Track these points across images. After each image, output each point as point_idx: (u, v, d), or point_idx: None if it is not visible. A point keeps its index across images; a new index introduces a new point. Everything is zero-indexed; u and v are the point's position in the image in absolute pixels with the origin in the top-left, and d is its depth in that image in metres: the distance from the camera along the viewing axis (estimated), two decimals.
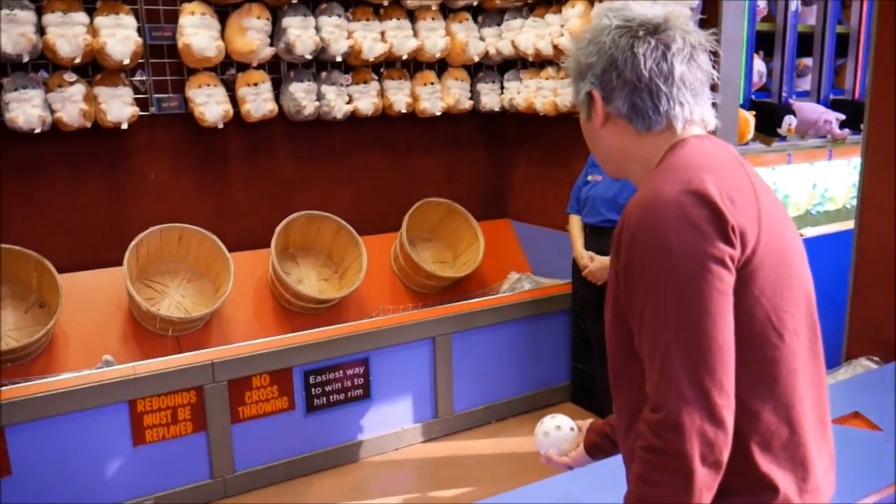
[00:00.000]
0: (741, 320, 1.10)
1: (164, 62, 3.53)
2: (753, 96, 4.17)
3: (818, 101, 4.41)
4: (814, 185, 4.19)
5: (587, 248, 3.01)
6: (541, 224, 4.31)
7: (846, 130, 4.20)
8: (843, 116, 4.17)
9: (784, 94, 4.25)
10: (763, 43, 4.35)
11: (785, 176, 4.05)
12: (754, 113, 3.97)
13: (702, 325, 1.04)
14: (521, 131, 4.48)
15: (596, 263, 2.93)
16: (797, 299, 1.16)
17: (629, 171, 1.27)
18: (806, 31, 4.46)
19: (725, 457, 1.06)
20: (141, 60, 3.43)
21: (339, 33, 3.76)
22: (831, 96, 4.44)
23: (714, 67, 1.25)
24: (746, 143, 3.96)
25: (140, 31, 3.35)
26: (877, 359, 2.76)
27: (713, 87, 1.28)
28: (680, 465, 1.03)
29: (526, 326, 3.76)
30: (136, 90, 3.45)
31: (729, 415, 1.05)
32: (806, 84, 4.55)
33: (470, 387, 3.66)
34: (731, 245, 1.07)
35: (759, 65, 4.27)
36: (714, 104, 1.26)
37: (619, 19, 1.18)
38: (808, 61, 4.54)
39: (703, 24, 3.35)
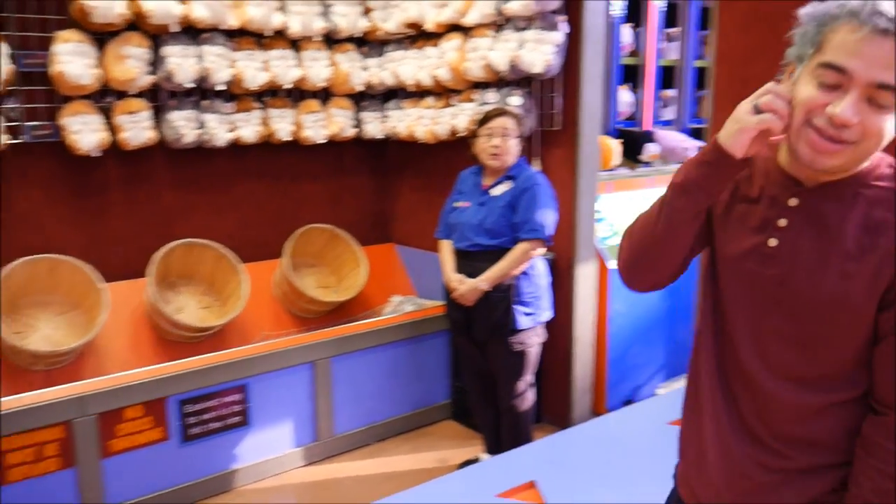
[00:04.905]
0: None
1: (36, 90, 3.48)
2: (621, 125, 4.45)
3: (680, 130, 4.74)
4: None
5: (459, 271, 3.13)
6: (424, 248, 4.44)
7: None
8: (702, 143, 4.50)
9: (649, 123, 4.56)
10: (630, 76, 4.66)
11: (648, 199, 4.32)
12: (621, 141, 4.24)
13: None
14: (403, 158, 4.62)
15: (465, 286, 3.04)
16: None
17: None
18: (669, 64, 4.81)
19: None
20: (13, 87, 3.37)
21: (221, 62, 3.80)
22: (692, 125, 4.79)
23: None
24: (613, 169, 4.22)
25: (12, 57, 3.30)
26: None
27: None
28: None
29: (406, 347, 3.86)
30: (7, 118, 3.38)
31: None
32: (671, 114, 4.89)
33: (351, 409, 3.72)
34: None
35: (626, 96, 4.57)
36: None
37: None
38: (671, 93, 4.88)
39: (566, 62, 3.57)
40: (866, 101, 1.06)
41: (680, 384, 3.03)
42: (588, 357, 3.81)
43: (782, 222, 1.21)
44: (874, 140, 1.10)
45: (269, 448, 3.49)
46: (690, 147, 4.43)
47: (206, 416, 3.28)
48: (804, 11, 1.14)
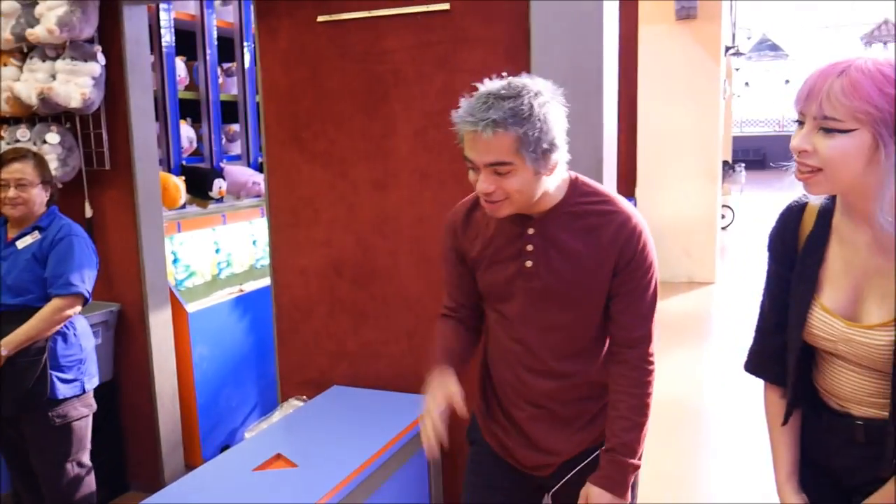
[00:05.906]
0: None
1: None
2: (185, 162, 4.26)
3: (248, 165, 4.74)
4: (254, 241, 4.46)
5: None
6: None
7: None
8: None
9: (215, 158, 4.45)
10: (191, 110, 4.50)
11: (224, 236, 4.23)
12: (184, 178, 4.05)
13: None
14: None
15: None
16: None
17: None
18: (230, 99, 4.77)
19: None
20: None
21: None
22: (259, 159, 4.81)
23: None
24: (183, 207, 4.02)
25: None
26: (304, 397, 3.02)
27: None
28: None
29: None
30: None
31: None
32: (238, 148, 4.85)
33: None
34: None
35: (187, 131, 4.39)
36: None
37: None
38: (236, 127, 4.85)
39: (110, 96, 3.27)
40: (493, 174, 1.51)
41: (267, 423, 2.96)
42: (173, 410, 3.54)
43: (530, 247, 1.63)
44: (515, 192, 1.53)
45: None
46: (260, 181, 4.44)
47: None
48: (455, 115, 1.53)
